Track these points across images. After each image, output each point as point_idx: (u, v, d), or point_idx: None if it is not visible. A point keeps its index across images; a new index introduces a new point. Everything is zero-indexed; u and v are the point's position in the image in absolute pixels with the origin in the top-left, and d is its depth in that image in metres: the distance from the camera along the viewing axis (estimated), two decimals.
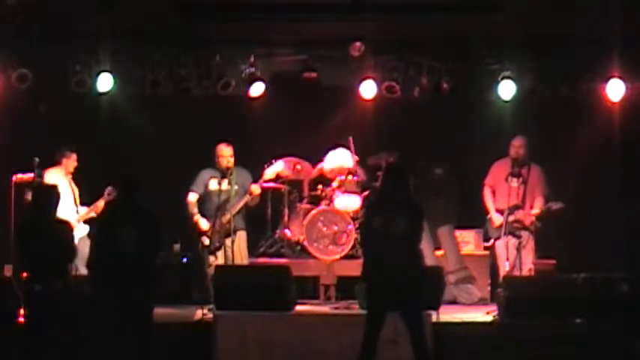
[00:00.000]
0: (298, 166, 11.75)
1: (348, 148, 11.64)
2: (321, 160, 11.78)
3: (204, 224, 10.53)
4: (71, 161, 11.00)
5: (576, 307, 9.55)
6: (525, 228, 10.60)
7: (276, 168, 10.83)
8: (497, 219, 10.69)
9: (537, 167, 10.78)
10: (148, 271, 8.29)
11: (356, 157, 11.59)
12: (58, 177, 10.75)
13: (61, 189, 10.32)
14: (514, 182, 10.64)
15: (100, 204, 10.93)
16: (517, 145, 10.75)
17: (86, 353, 8.45)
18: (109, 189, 10.93)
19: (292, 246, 11.54)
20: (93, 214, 10.91)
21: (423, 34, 11.33)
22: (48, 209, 8.61)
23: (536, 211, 10.57)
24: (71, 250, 8.63)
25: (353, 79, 11.63)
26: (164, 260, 11.14)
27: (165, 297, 10.72)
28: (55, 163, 10.98)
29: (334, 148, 11.70)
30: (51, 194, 8.75)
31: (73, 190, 10.99)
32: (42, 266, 8.39)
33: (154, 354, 8.31)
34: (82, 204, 11.05)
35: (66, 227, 8.64)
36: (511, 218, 10.55)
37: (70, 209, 10.77)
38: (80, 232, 10.65)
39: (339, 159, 11.67)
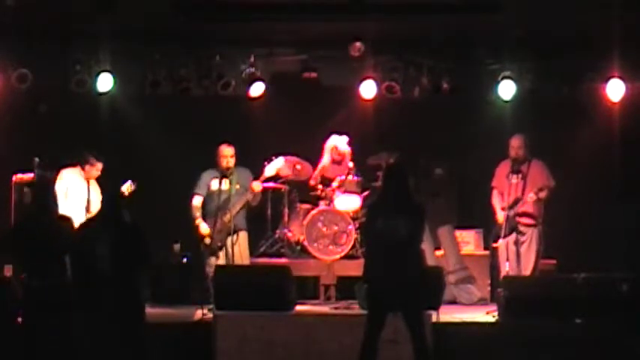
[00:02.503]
0: (298, 166, 11.75)
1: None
2: (319, 162, 11.81)
3: (204, 228, 10.51)
4: (94, 169, 10.60)
5: (576, 307, 9.56)
6: (532, 222, 10.60)
7: (277, 164, 10.77)
8: (500, 217, 10.70)
9: (539, 162, 10.77)
10: (131, 287, 8.11)
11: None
12: (76, 176, 10.52)
13: (75, 189, 10.33)
14: (514, 179, 10.65)
15: None
16: (516, 147, 10.74)
17: (83, 351, 8.42)
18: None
19: (292, 246, 11.54)
20: None
21: (423, 34, 11.33)
22: (45, 205, 8.56)
23: (531, 195, 10.56)
24: (69, 246, 8.57)
25: (353, 79, 11.64)
26: (164, 260, 11.17)
27: (164, 297, 10.77)
28: (74, 163, 10.61)
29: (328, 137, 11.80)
30: (49, 191, 8.71)
31: (89, 194, 10.56)
32: (39, 263, 8.36)
33: (151, 354, 8.29)
34: None
35: (65, 223, 8.55)
36: (512, 213, 10.57)
37: (79, 211, 10.39)
38: None
39: (334, 142, 11.69)
